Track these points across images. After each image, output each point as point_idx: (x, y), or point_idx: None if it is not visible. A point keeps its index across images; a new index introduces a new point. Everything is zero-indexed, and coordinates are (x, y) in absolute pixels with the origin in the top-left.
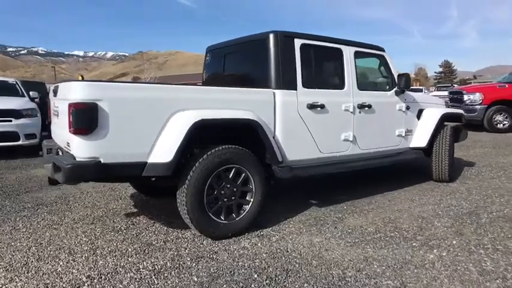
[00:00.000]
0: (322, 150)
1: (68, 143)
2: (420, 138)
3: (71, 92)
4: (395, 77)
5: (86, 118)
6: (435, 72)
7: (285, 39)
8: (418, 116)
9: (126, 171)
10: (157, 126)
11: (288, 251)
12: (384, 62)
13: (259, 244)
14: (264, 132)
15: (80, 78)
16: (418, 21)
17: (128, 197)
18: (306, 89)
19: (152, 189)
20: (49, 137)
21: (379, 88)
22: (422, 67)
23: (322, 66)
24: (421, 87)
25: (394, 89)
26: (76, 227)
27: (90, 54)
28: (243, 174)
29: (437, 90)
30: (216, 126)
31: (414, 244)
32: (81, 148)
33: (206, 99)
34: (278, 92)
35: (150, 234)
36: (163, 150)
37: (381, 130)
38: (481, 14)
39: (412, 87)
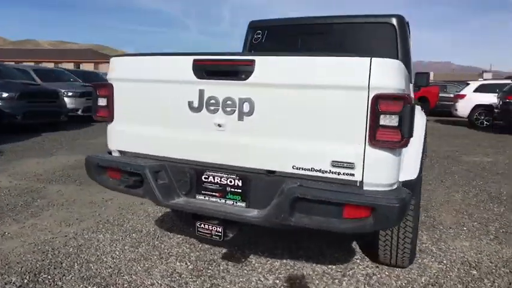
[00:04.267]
0: None
1: (347, 163)
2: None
3: (379, 76)
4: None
5: (408, 123)
6: None
7: (407, 25)
8: None
9: None
10: None
11: None
12: None
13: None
14: None
15: None
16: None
17: (140, 202)
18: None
19: None
20: None
21: None
22: None
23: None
24: None
25: None
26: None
27: None
28: None
29: None
30: None
31: None
32: (391, 171)
33: None
34: None
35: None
36: (409, 162)
37: None
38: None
39: None
